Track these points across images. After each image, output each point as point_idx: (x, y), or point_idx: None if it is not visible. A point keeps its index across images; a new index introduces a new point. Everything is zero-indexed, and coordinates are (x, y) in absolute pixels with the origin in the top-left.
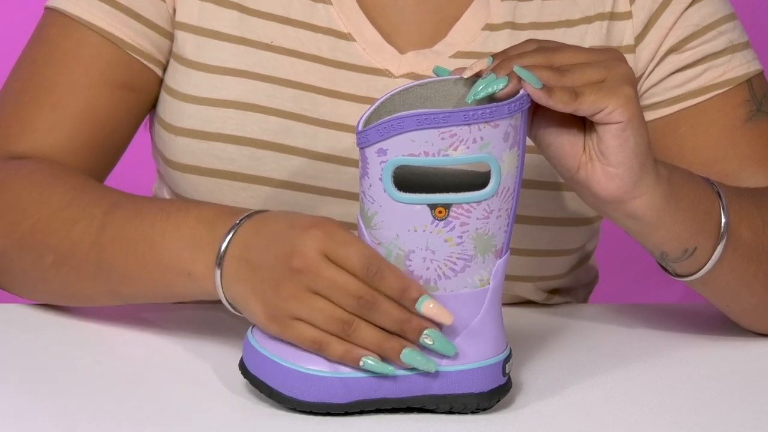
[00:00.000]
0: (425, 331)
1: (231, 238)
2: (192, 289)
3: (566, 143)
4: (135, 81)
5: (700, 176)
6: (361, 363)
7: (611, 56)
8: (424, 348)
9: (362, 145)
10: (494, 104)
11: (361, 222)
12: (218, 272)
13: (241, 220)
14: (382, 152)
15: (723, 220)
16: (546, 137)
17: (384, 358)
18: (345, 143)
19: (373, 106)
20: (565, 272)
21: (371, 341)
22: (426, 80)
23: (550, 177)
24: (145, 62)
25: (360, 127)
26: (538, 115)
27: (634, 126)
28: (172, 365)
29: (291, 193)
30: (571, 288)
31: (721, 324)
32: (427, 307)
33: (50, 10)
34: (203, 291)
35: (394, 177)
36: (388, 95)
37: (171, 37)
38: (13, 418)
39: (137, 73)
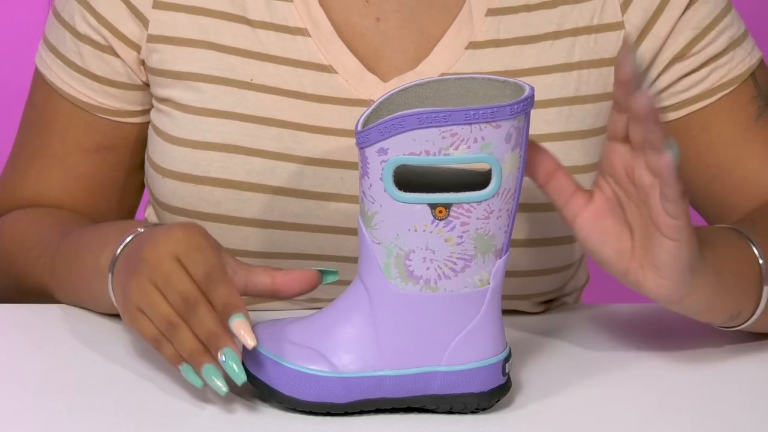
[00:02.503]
0: (224, 348)
1: (130, 240)
2: (104, 291)
3: (613, 254)
4: (110, 140)
5: (731, 230)
6: (180, 368)
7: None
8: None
9: (362, 145)
10: (496, 105)
11: (361, 222)
12: (111, 272)
13: (146, 227)
14: (382, 152)
15: (761, 262)
16: (590, 246)
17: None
18: (333, 179)
19: (372, 107)
20: (562, 285)
21: (186, 348)
22: (425, 80)
23: (545, 198)
24: (116, 119)
25: (359, 127)
26: (580, 222)
27: (691, 246)
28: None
29: (281, 233)
30: (566, 294)
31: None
32: (237, 323)
33: (37, 71)
34: (107, 289)
35: (394, 176)
36: (387, 95)
37: (140, 87)
38: (14, 417)
39: (111, 132)
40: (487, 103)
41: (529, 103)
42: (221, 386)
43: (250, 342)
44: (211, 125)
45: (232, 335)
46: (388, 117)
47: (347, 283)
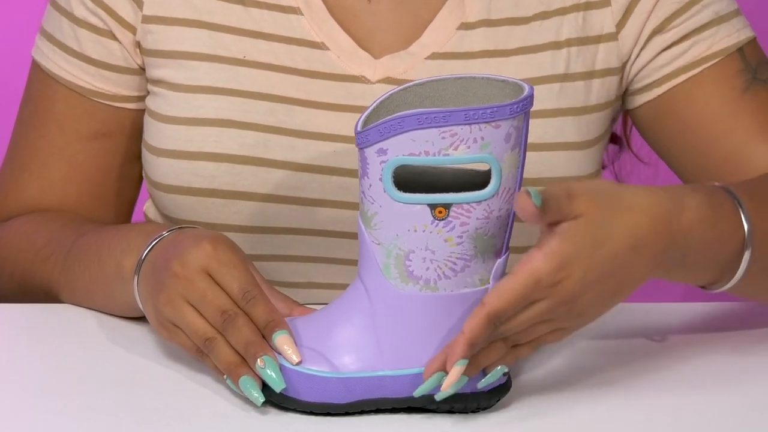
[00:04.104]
0: (263, 356)
1: (154, 244)
2: (126, 294)
3: None
4: (107, 126)
5: (721, 189)
6: (225, 379)
7: (558, 290)
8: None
9: (362, 146)
10: (496, 104)
11: (360, 222)
12: (136, 276)
13: (170, 231)
14: (382, 152)
15: (746, 227)
16: None
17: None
18: (325, 152)
19: (372, 107)
20: None
21: (223, 362)
22: (424, 80)
23: (549, 173)
24: (112, 104)
25: (359, 128)
26: None
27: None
28: (172, 365)
29: (275, 206)
30: None
31: (721, 324)
32: (281, 339)
33: (34, 62)
34: (132, 295)
35: (393, 177)
36: (387, 95)
37: (135, 71)
38: (14, 417)
39: (108, 118)
40: (486, 102)
41: (528, 102)
42: (258, 397)
43: (295, 358)
44: (204, 102)
45: (275, 351)
46: (387, 117)
47: (347, 257)
